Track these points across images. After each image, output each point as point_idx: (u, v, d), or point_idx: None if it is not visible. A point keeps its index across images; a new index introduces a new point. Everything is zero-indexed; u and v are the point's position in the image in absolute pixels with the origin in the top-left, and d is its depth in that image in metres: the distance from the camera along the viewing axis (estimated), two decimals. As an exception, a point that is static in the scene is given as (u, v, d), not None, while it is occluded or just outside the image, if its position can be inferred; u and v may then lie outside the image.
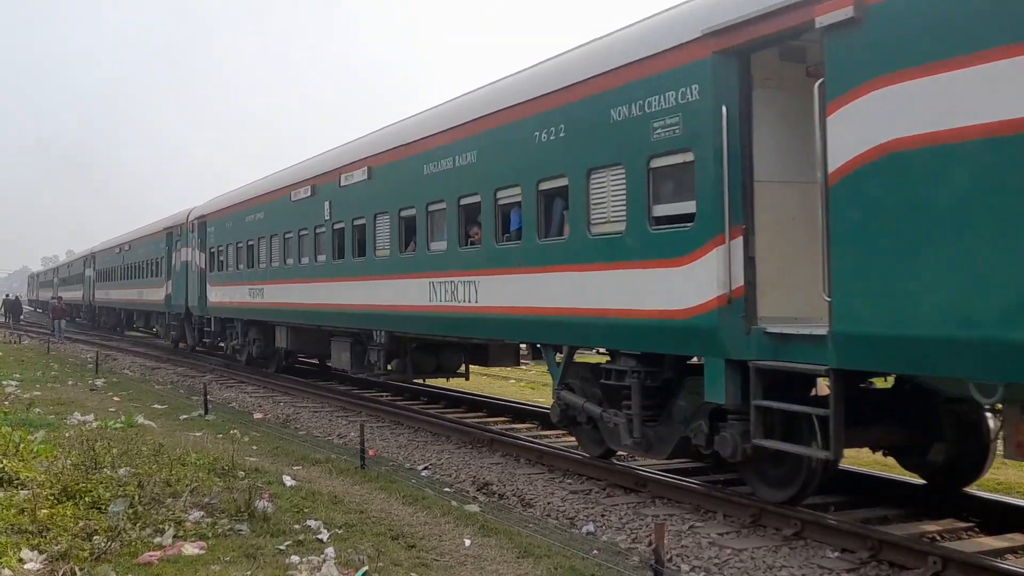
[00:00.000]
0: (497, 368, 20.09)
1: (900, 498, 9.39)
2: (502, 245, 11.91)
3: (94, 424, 14.60)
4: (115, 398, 19.37)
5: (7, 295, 64.69)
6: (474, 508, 9.61)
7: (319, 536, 8.14)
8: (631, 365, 9.71)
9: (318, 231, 18.35)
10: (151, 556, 7.33)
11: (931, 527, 8.44)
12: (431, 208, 13.70)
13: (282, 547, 7.74)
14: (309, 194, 18.80)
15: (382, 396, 19.42)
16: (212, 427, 15.32)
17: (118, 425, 14.58)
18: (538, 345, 11.99)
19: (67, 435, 12.83)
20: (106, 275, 46.66)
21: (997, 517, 8.54)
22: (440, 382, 18.32)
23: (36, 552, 7.31)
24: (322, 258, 18.19)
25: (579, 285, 10.27)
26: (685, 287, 8.69)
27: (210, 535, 8.04)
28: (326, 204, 17.75)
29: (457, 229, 12.90)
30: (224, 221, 25.52)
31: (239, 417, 16.89)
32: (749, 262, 8.29)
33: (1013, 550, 7.77)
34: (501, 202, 11.93)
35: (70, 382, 22.65)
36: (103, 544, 7.43)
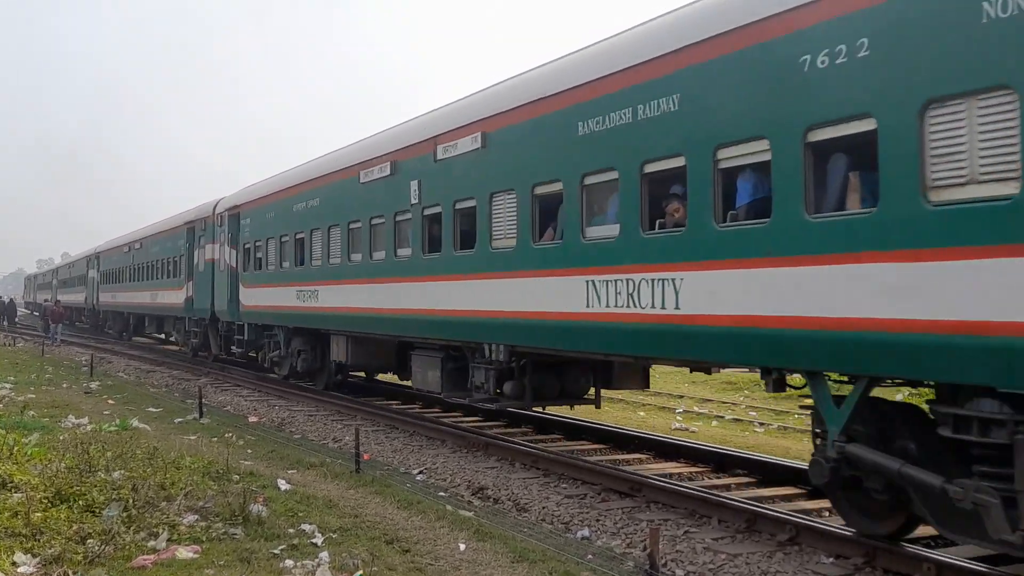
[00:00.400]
0: (623, 392, 18.09)
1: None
2: (727, 227, 8.40)
3: (88, 427, 14.57)
4: (110, 401, 19.33)
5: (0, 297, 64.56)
6: (469, 513, 9.60)
7: (314, 540, 8.12)
8: (1007, 412, 6.26)
9: (400, 218, 14.87)
10: (145, 560, 7.31)
11: (925, 532, 8.44)
12: (589, 180, 10.30)
13: (276, 551, 7.72)
14: (388, 173, 15.21)
15: (376, 400, 19.40)
16: (207, 430, 15.28)
17: (112, 428, 14.56)
18: (787, 372, 8.40)
19: (61, 438, 12.80)
20: (112, 276, 43.39)
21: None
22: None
23: (29, 555, 7.28)
24: (405, 252, 14.70)
25: (911, 283, 6.66)
26: None
27: (204, 539, 8.03)
28: (414, 184, 14.30)
29: (638, 206, 9.46)
30: (264, 212, 21.95)
31: (234, 420, 16.86)
32: None
33: (1005, 556, 7.76)
34: (724, 165, 8.51)
35: (65, 385, 22.59)
36: (97, 548, 7.41)
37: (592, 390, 13.30)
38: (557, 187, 10.85)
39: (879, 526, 7.91)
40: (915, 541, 8.02)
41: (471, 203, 12.70)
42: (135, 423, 15.18)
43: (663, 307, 9.07)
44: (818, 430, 8.02)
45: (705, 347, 8.77)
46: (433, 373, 14.29)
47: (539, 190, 11.26)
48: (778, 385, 8.45)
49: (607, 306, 9.88)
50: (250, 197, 23.54)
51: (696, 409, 19.84)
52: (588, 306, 10.18)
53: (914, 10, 6.73)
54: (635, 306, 9.46)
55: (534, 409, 13.64)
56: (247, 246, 23.13)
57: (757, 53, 8.07)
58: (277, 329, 21.63)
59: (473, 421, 16.23)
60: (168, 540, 7.85)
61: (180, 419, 16.62)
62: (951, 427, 6.65)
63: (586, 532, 9.01)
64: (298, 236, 19.63)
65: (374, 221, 15.89)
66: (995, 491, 6.30)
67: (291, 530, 8.42)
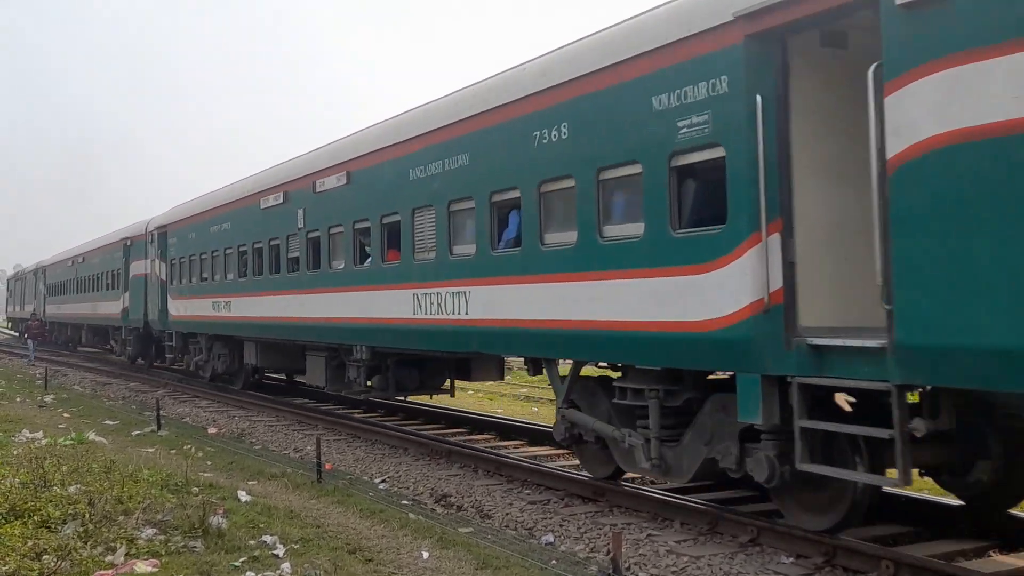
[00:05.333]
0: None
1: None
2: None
3: (43, 441, 14.30)
4: (65, 414, 19.01)
5: None
6: (432, 520, 9.57)
7: (275, 552, 8.05)
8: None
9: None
10: (103, 575, 7.20)
11: (884, 531, 8.56)
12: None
13: (237, 564, 7.65)
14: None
15: (338, 409, 19.27)
16: (165, 443, 15.09)
17: (68, 442, 14.31)
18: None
19: (15, 453, 12.55)
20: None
21: (942, 521, 8.69)
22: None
23: (-17, 573, 7.15)
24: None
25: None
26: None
27: (163, 552, 7.92)
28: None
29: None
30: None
31: (193, 432, 16.66)
32: None
33: (963, 553, 7.90)
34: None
35: (18, 399, 22.18)
36: (53, 564, 7.27)
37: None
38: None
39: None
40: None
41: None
42: (91, 436, 14.94)
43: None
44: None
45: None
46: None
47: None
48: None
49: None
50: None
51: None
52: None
53: None
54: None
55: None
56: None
57: None
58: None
59: (435, 428, 16.20)
60: (126, 555, 7.73)
61: (138, 431, 16.39)
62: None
63: (550, 538, 9.02)
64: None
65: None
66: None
67: (252, 542, 8.34)
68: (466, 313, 11.33)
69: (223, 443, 15.32)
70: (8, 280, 69.85)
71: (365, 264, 14.29)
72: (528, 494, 10.83)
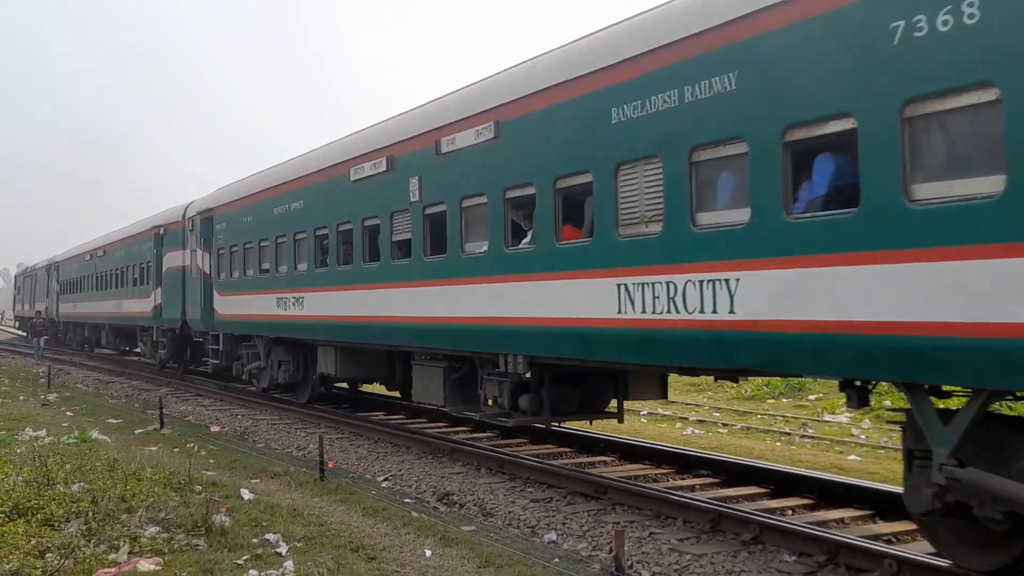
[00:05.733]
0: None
1: (857, 501, 9.52)
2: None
3: (47, 439, 14.33)
4: (68, 413, 19.03)
5: None
6: (435, 519, 9.58)
7: (278, 550, 8.06)
8: None
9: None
10: (106, 573, 7.21)
11: (887, 529, 8.56)
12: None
13: (240, 561, 7.66)
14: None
15: (340, 407, 19.27)
16: (168, 441, 15.11)
17: (71, 440, 14.33)
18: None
19: (19, 451, 12.58)
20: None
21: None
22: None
23: (-14, 571, 7.16)
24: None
25: None
26: None
27: (166, 550, 7.93)
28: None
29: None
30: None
31: (196, 430, 16.68)
32: None
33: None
34: None
35: (21, 397, 22.21)
36: (56, 561, 7.29)
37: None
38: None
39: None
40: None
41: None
42: (95, 435, 14.95)
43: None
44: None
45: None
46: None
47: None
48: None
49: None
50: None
51: (660, 411, 19.95)
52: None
53: None
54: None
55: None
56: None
57: None
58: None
59: (438, 427, 16.20)
60: (129, 552, 7.74)
61: (141, 430, 16.41)
62: None
63: (552, 536, 9.03)
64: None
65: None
66: None
67: (255, 540, 8.35)
68: (729, 311, 7.71)
69: (226, 441, 15.34)
70: (16, 277, 69.91)
71: (522, 245, 10.76)
72: (531, 492, 10.84)
